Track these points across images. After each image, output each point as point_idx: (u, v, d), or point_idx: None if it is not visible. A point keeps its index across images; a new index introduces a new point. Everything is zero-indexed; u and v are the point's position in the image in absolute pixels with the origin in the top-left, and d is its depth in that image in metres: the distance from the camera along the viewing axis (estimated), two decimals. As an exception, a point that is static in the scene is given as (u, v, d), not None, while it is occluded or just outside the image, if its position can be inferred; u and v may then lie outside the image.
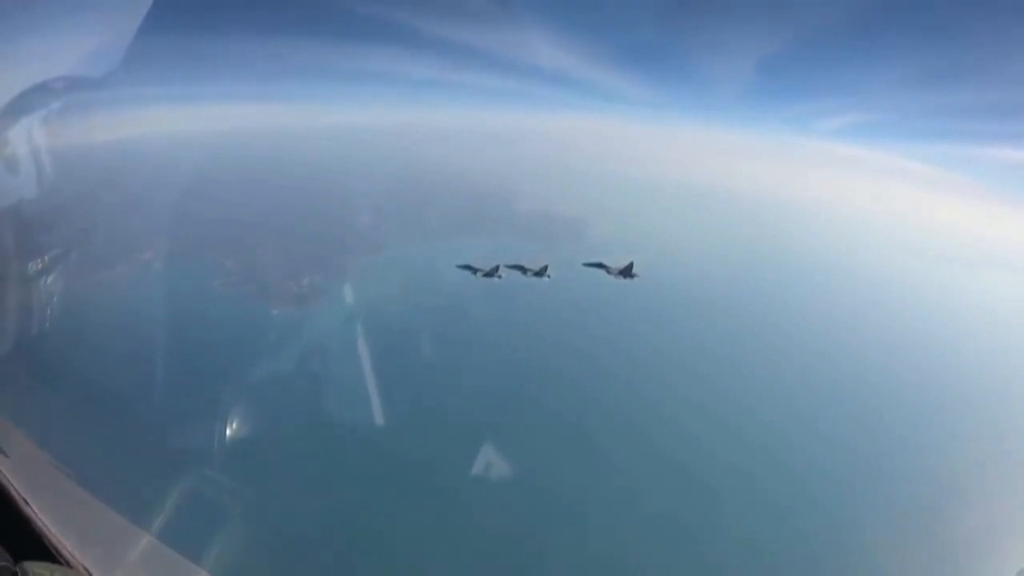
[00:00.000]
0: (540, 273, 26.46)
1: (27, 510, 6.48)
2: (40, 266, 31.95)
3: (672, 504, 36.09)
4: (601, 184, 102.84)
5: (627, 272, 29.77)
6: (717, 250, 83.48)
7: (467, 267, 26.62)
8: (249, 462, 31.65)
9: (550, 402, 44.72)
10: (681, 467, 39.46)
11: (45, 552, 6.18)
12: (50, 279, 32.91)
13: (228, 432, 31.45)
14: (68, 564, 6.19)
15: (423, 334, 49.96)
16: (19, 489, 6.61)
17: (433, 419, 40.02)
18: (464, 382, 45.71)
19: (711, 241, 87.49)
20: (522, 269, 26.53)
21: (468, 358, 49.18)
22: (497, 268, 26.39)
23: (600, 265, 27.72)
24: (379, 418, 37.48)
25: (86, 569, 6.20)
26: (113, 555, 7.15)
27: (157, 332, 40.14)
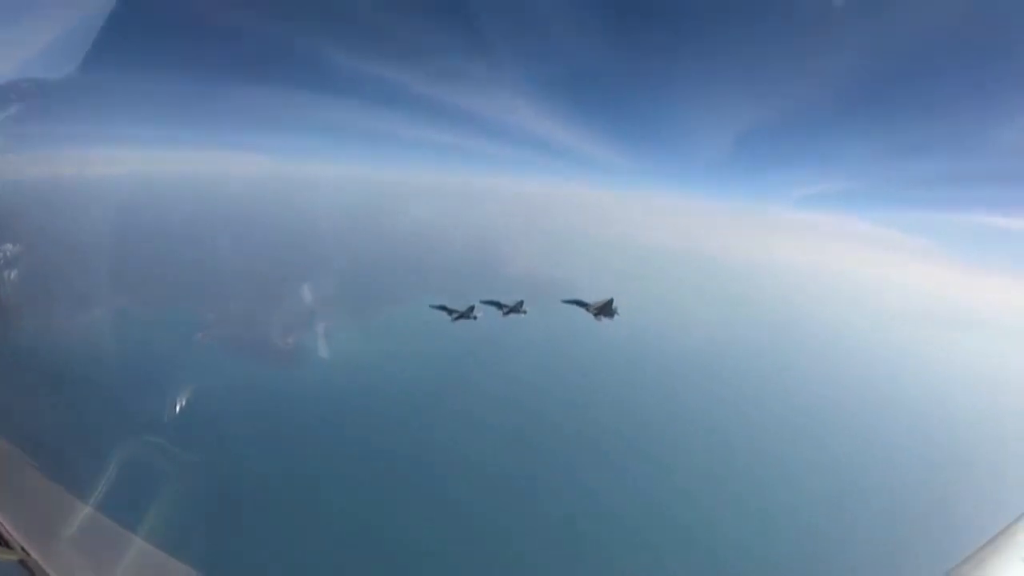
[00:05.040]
0: (516, 309, 26.77)
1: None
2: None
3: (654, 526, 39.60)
4: (582, 249, 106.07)
5: (606, 310, 29.88)
6: (693, 313, 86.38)
7: (441, 307, 26.86)
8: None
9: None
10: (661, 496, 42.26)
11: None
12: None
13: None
14: (7, 545, 6.10)
15: (407, 388, 49.96)
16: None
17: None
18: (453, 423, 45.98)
19: (687, 304, 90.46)
20: (498, 305, 26.89)
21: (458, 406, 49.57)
22: (472, 308, 26.60)
23: (579, 302, 28.01)
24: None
25: (23, 548, 6.09)
26: (50, 532, 6.99)
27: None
